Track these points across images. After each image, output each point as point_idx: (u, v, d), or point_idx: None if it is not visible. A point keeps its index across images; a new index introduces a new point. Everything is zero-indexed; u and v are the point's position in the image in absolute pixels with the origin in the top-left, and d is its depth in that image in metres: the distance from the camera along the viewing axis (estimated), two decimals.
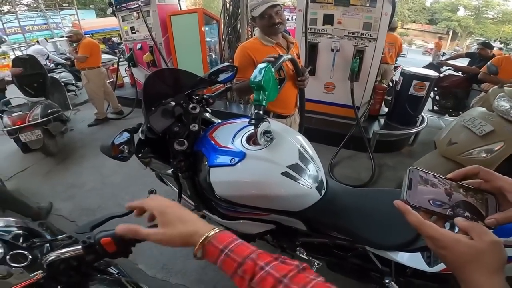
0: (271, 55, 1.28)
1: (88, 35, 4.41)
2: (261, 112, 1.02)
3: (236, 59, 1.65)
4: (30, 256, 0.65)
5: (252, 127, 1.00)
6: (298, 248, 1.34)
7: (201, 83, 1.28)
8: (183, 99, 1.16)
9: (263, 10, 1.53)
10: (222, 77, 1.32)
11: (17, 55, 5.73)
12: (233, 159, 0.98)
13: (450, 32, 28.66)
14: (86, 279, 0.76)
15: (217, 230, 0.49)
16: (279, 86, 1.20)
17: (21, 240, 0.74)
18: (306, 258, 1.34)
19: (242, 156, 0.98)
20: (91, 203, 2.60)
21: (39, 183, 2.99)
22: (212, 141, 1.10)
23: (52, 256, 0.63)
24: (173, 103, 1.14)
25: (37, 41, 7.77)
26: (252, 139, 1.05)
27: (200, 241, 0.47)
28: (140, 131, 1.10)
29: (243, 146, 1.03)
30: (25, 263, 0.63)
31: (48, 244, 0.76)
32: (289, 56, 1.41)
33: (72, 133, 4.11)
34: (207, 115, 1.42)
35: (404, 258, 0.99)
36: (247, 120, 1.12)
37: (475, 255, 0.35)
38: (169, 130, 1.09)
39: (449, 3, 28.32)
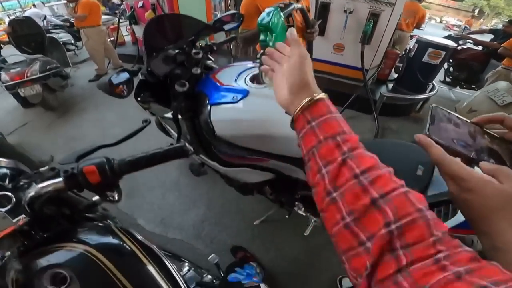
0: (281, 2, 1.18)
1: None
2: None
3: (242, 8, 1.59)
4: (14, 198, 0.56)
5: (256, 69, 0.96)
6: (296, 203, 1.34)
7: (206, 29, 1.23)
8: (187, 44, 1.11)
9: None
10: (227, 26, 1.27)
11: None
12: (235, 97, 0.93)
13: (476, 11, 27.03)
14: (75, 225, 0.70)
15: (314, 100, 0.43)
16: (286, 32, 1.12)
17: (7, 181, 0.64)
18: (304, 214, 1.34)
19: (245, 93, 0.93)
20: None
21: (40, 137, 3.00)
22: (215, 81, 1.06)
23: (31, 192, 0.55)
24: (176, 50, 1.09)
25: (34, 5, 7.45)
26: (256, 79, 1.01)
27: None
28: (140, 73, 1.05)
29: (247, 84, 0.98)
30: (8, 207, 0.55)
31: (34, 184, 0.70)
32: (300, 5, 1.33)
33: (73, 88, 4.08)
34: (210, 63, 1.36)
35: None
36: (252, 63, 1.07)
37: (506, 201, 0.31)
38: (171, 73, 1.05)
39: None
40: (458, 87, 4.30)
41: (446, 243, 0.28)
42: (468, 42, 4.24)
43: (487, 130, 0.41)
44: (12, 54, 3.44)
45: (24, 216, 0.55)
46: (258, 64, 0.93)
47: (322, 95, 0.44)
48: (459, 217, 0.83)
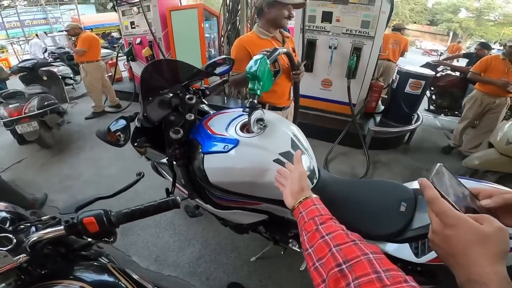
0: (266, 49, 1.28)
1: (88, 30, 4.38)
2: (255, 101, 1.03)
3: (233, 52, 1.67)
4: (14, 240, 0.62)
5: (246, 117, 1.02)
6: (290, 240, 1.36)
7: (198, 74, 1.30)
8: (180, 90, 1.17)
9: (288, 2, 1.56)
10: (219, 69, 1.34)
11: (19, 61, 5.82)
12: (226, 146, 0.99)
13: (451, 34, 28.52)
14: (71, 264, 0.74)
15: (304, 198, 0.67)
16: (273, 78, 1.22)
17: (7, 224, 0.72)
18: (299, 250, 1.36)
19: (235, 143, 0.99)
20: (86, 194, 2.52)
21: (35, 175, 2.98)
22: (207, 129, 1.12)
23: (34, 237, 0.62)
24: (170, 94, 1.15)
25: (36, 35, 7.75)
26: (246, 127, 1.07)
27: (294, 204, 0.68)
28: (136, 119, 1.11)
29: (237, 133, 1.04)
30: (9, 247, 0.60)
31: (34, 228, 0.74)
32: (285, 49, 1.43)
33: (69, 125, 4.12)
34: (204, 106, 1.43)
35: (392, 248, 1.00)
36: (242, 109, 1.13)
37: (482, 238, 0.35)
38: (165, 119, 1.10)
39: (451, 4, 28.10)
40: (442, 115, 4.38)
41: (392, 279, 0.38)
42: (446, 68, 4.32)
43: (478, 201, 0.45)
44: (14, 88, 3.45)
45: (25, 255, 0.61)
46: (247, 113, 1.02)
47: (309, 195, 0.68)
48: None
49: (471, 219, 0.37)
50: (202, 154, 1.03)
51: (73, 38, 4.16)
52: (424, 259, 0.93)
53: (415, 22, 30.56)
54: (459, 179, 0.47)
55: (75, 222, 0.58)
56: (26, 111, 3.02)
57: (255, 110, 1.00)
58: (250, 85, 1.07)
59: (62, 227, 0.59)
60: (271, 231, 1.41)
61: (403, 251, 0.99)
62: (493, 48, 4.79)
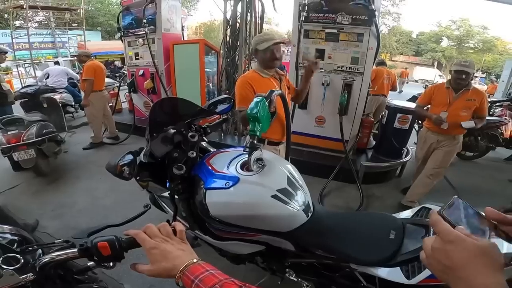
0: (262, 94, 1.38)
1: (93, 57, 4.47)
2: (255, 142, 1.14)
3: (238, 89, 1.78)
4: (22, 260, 0.67)
5: (246, 155, 1.11)
6: (287, 270, 1.38)
7: (201, 113, 1.40)
8: (184, 127, 1.26)
9: (268, 46, 1.70)
10: (219, 108, 1.45)
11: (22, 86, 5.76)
12: (227, 183, 1.07)
13: (435, 63, 29.48)
14: (70, 285, 0.79)
15: (193, 262, 0.56)
16: (271, 119, 1.34)
17: (15, 245, 0.76)
18: (295, 279, 1.38)
19: (236, 180, 1.08)
20: (79, 223, 2.55)
21: (28, 201, 2.94)
22: (209, 167, 1.20)
23: (46, 258, 0.67)
24: (174, 131, 1.24)
25: (57, 62, 7.60)
26: (245, 166, 1.16)
27: (178, 273, 0.55)
28: (142, 154, 1.18)
29: (237, 171, 1.13)
30: (16, 266, 0.65)
31: (40, 251, 0.79)
32: (279, 91, 1.57)
33: (66, 155, 4.07)
34: (204, 144, 1.52)
35: (385, 273, 1.05)
36: (242, 149, 1.23)
37: (481, 250, 0.38)
38: (169, 155, 1.18)
39: (433, 34, 29.27)
40: None
41: None
42: None
43: (499, 228, 0.48)
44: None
45: (31, 274, 0.66)
46: (247, 152, 1.11)
47: (195, 261, 0.58)
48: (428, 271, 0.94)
49: (467, 237, 0.42)
50: (205, 190, 1.11)
51: (82, 64, 4.17)
52: (414, 280, 0.98)
53: (401, 53, 31.75)
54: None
55: (89, 246, 0.63)
56: (24, 138, 3.02)
57: (255, 150, 1.10)
58: (251, 127, 1.18)
59: (75, 250, 0.65)
60: (268, 261, 1.44)
61: (395, 274, 1.04)
62: (476, 76, 4.99)
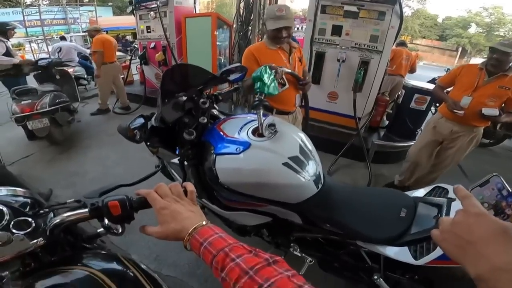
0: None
1: (104, 32, 4.54)
2: (262, 97, 1.15)
3: (243, 60, 1.82)
4: (33, 224, 0.64)
5: (256, 121, 1.08)
6: (292, 244, 1.38)
7: (213, 80, 1.37)
8: (195, 93, 1.23)
9: (274, 28, 1.69)
10: (232, 76, 1.40)
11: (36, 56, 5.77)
12: (238, 148, 1.04)
13: (460, 49, 27.92)
14: (79, 252, 0.77)
15: (202, 224, 0.54)
16: (280, 88, 1.40)
17: (27, 209, 0.73)
18: (299, 254, 1.38)
19: (247, 145, 1.04)
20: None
21: (41, 170, 3.04)
22: (220, 132, 1.17)
23: (57, 219, 0.64)
24: (185, 97, 1.20)
25: (63, 37, 7.55)
26: (257, 132, 1.12)
27: (187, 235, 0.53)
28: (153, 119, 1.16)
29: (249, 137, 1.09)
30: (27, 230, 0.62)
31: (52, 214, 0.76)
32: (286, 69, 1.60)
33: (79, 124, 4.20)
34: (215, 111, 1.49)
35: (392, 252, 1.03)
36: (254, 115, 1.19)
37: (504, 229, 0.37)
38: (180, 121, 1.16)
39: (461, 20, 27.75)
40: None
41: None
42: None
43: None
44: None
45: (42, 239, 0.64)
46: (255, 105, 1.10)
47: (204, 223, 0.55)
48: (439, 251, 0.92)
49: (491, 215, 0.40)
50: (214, 155, 1.08)
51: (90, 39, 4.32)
52: (422, 261, 0.96)
53: (424, 37, 30.38)
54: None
55: (99, 205, 0.62)
56: (38, 107, 3.08)
57: (262, 103, 1.07)
58: (255, 85, 1.17)
59: (86, 210, 0.63)
60: (274, 235, 1.44)
61: (403, 254, 1.02)
62: None
